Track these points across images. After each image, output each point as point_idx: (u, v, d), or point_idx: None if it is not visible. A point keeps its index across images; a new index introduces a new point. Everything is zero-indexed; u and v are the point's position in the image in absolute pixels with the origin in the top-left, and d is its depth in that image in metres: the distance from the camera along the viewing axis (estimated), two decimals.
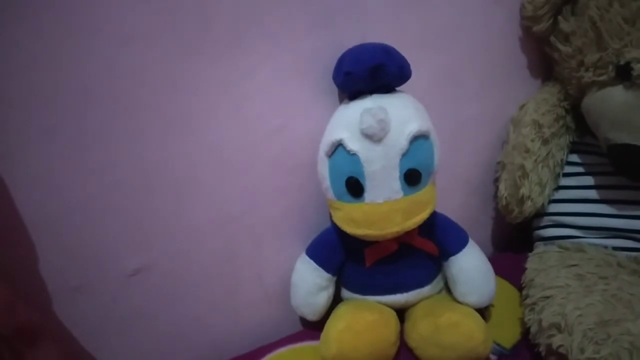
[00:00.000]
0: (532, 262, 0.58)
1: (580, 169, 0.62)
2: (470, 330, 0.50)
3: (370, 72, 0.46)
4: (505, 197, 0.63)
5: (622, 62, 0.51)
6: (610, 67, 0.53)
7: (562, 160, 0.62)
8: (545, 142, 0.60)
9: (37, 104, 0.43)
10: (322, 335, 0.54)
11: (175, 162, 0.50)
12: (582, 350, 0.44)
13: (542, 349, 0.49)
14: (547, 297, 0.51)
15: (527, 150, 0.60)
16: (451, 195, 0.65)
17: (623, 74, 0.52)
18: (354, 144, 0.47)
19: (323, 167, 0.50)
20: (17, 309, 0.43)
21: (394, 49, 0.48)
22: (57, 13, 0.41)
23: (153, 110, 0.48)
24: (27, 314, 0.44)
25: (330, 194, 0.51)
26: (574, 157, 0.63)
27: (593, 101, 0.56)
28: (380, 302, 0.56)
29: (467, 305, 0.54)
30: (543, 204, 0.62)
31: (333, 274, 0.56)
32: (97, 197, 0.48)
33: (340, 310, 0.55)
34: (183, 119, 0.49)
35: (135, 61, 0.45)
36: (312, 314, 0.57)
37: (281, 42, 0.50)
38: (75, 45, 0.43)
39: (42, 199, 0.46)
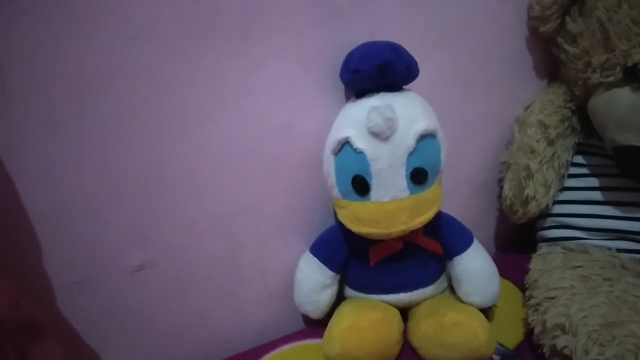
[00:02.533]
0: (536, 263, 0.58)
1: (586, 171, 0.62)
2: (474, 331, 0.50)
3: (378, 70, 0.46)
4: (510, 198, 0.63)
5: (630, 64, 0.51)
6: (618, 69, 0.52)
7: (567, 161, 0.62)
8: (551, 143, 0.60)
9: (41, 99, 0.43)
10: (326, 333, 0.53)
11: (179, 157, 0.50)
12: (586, 352, 0.44)
13: (546, 350, 0.49)
14: (552, 298, 0.51)
15: (533, 151, 0.60)
16: (455, 195, 0.64)
17: (631, 76, 0.52)
18: (360, 142, 0.47)
19: (329, 165, 0.50)
20: (20, 303, 0.43)
21: (402, 48, 0.48)
22: (62, 7, 0.41)
23: (158, 105, 0.47)
24: (30, 309, 0.44)
25: (336, 192, 0.50)
26: (580, 159, 0.63)
27: (600, 103, 0.55)
28: (384, 301, 0.55)
29: (471, 305, 0.54)
30: (548, 205, 0.62)
31: (337, 273, 0.56)
32: (101, 192, 0.48)
33: (344, 309, 0.55)
34: (188, 115, 0.49)
35: (141, 56, 0.45)
36: (315, 312, 0.57)
37: (288, 39, 0.50)
38: (80, 40, 0.43)
39: (46, 195, 0.46)
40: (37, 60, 0.42)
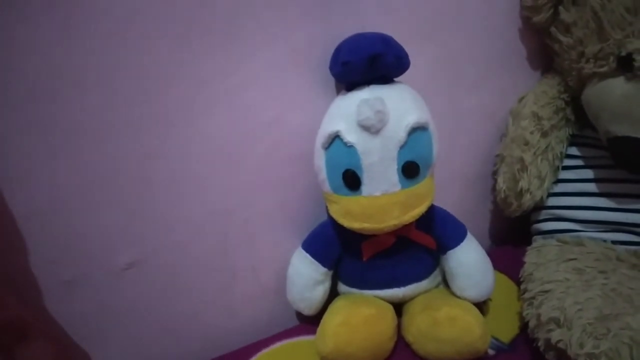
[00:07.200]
0: (531, 256, 0.58)
1: (580, 162, 0.61)
2: (469, 325, 0.49)
3: (368, 62, 0.45)
4: (504, 190, 0.62)
5: (623, 53, 0.50)
6: (612, 58, 0.52)
7: (561, 153, 0.61)
8: (544, 134, 0.60)
9: (28, 94, 0.42)
10: (319, 330, 0.53)
11: (167, 154, 0.49)
12: (581, 345, 0.43)
13: (540, 343, 0.48)
14: (546, 292, 0.50)
15: (527, 143, 0.59)
16: (448, 188, 0.64)
17: (624, 65, 0.51)
18: (351, 135, 0.46)
19: (319, 160, 0.50)
20: (7, 303, 0.42)
21: (392, 39, 0.47)
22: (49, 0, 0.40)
23: (145, 101, 0.47)
24: (17, 308, 0.43)
25: (327, 187, 0.50)
26: (574, 150, 0.62)
27: (593, 93, 0.55)
28: (377, 297, 0.55)
29: (465, 299, 0.54)
30: (542, 197, 0.61)
31: (329, 268, 0.56)
32: (89, 189, 0.47)
33: (337, 304, 0.54)
34: (176, 110, 0.48)
35: (129, 51, 0.44)
36: (308, 309, 0.56)
37: (277, 31, 0.49)
38: (67, 33, 0.42)
39: (33, 192, 0.45)
40: (22, 55, 0.41)
